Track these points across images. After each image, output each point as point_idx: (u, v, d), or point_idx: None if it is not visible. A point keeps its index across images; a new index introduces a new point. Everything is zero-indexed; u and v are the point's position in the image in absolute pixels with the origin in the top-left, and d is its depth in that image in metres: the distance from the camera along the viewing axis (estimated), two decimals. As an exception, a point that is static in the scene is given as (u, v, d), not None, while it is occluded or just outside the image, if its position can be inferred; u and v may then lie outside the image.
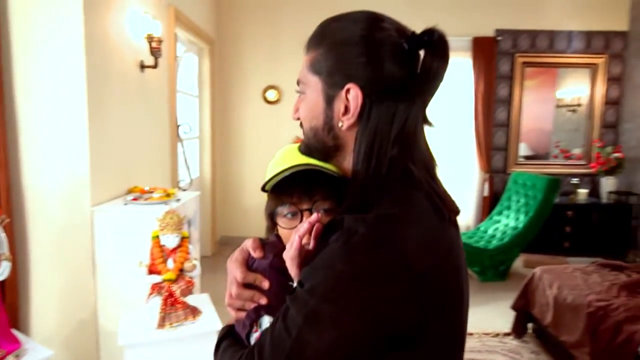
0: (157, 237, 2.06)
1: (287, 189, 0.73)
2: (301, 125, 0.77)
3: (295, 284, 0.68)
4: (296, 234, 0.66)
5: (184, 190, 3.48)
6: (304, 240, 0.66)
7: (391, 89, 0.66)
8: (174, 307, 2.01)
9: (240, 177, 5.06)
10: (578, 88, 5.05)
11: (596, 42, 4.91)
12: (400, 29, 0.69)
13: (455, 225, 0.70)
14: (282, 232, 0.76)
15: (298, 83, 0.75)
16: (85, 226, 2.30)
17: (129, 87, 2.72)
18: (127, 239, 2.33)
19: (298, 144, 0.81)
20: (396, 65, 0.66)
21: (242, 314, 0.73)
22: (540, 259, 4.37)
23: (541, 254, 4.47)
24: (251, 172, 5.04)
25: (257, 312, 0.72)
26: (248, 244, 0.78)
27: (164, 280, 2.01)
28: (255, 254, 0.75)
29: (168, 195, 2.52)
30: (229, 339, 0.78)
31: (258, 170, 4.96)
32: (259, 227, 4.17)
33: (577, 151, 5.13)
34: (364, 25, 0.68)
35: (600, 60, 4.91)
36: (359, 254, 0.58)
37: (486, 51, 4.82)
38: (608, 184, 4.78)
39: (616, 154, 4.68)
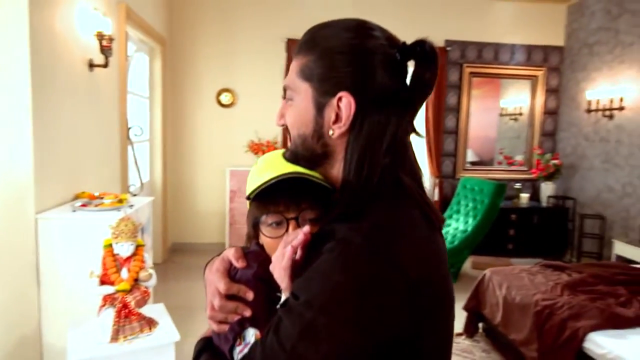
0: (110, 245, 1.95)
1: (273, 197, 0.71)
2: (287, 132, 0.76)
3: (283, 295, 0.67)
4: (287, 244, 0.64)
5: (135, 195, 3.33)
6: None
7: (383, 98, 0.67)
8: (128, 319, 1.92)
9: (193, 181, 4.92)
10: (520, 98, 5.36)
11: (536, 55, 5.22)
12: (390, 38, 0.70)
13: (440, 233, 0.72)
14: (266, 241, 0.74)
15: (285, 89, 0.74)
16: (29, 235, 2.14)
17: (77, 87, 2.57)
18: (75, 248, 2.19)
19: (282, 151, 0.80)
20: (388, 74, 0.67)
21: (225, 327, 0.70)
22: (487, 260, 4.57)
23: (488, 256, 4.68)
24: (204, 176, 4.92)
25: (241, 325, 0.69)
26: (229, 254, 0.75)
27: (118, 291, 1.91)
28: (238, 264, 0.72)
29: (120, 201, 2.40)
30: (207, 352, 0.75)
31: (211, 175, 4.87)
32: (212, 233, 4.13)
33: (519, 158, 5.43)
34: (355, 34, 0.68)
35: (539, 73, 5.23)
36: (355, 264, 0.57)
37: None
38: (547, 189, 5.10)
39: (554, 161, 4.99)
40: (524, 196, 5.11)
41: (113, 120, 3.14)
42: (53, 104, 2.29)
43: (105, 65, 2.75)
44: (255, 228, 0.77)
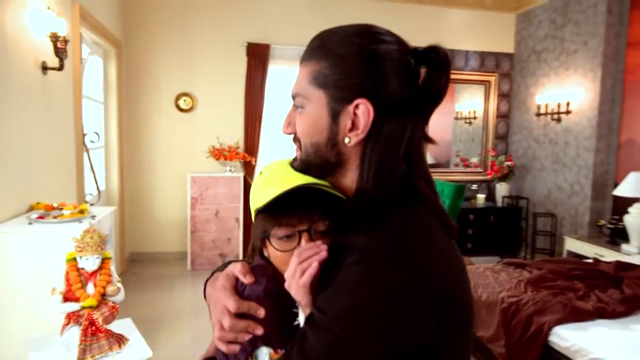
0: (74, 259, 1.84)
1: (284, 209, 0.68)
2: (295, 140, 0.74)
3: (301, 311, 0.65)
4: (303, 259, 0.62)
5: (92, 204, 3.16)
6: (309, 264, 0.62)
7: (399, 104, 0.66)
8: (95, 337, 1.81)
9: (151, 189, 4.75)
10: (474, 102, 5.56)
11: (489, 61, 5.45)
12: (402, 43, 0.69)
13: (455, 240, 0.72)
14: (275, 254, 0.71)
15: (294, 97, 0.72)
16: (-20, 251, 1.98)
17: (30, 91, 2.41)
18: (34, 264, 2.05)
19: (287, 160, 0.77)
20: (403, 80, 0.66)
21: (235, 348, 0.67)
22: (448, 260, 4.69)
23: (449, 256, 4.81)
24: (163, 183, 4.75)
25: (254, 344, 0.66)
26: (235, 269, 0.71)
27: (84, 308, 1.80)
28: (246, 280, 0.69)
29: (81, 211, 2.27)
30: None
31: (171, 182, 4.71)
32: (173, 242, 4.00)
33: (474, 160, 5.63)
34: (369, 40, 0.67)
35: (492, 78, 5.46)
36: (383, 276, 0.56)
37: (395, 66, 5.10)
38: (502, 189, 5.32)
39: (508, 162, 5.22)
40: (480, 197, 5.31)
41: (68, 126, 2.97)
42: (3, 109, 2.13)
43: (60, 68, 2.60)
44: (262, 241, 0.74)
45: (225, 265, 0.82)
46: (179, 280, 4.27)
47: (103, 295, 1.86)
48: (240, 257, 4.61)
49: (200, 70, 4.70)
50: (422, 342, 0.58)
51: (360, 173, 0.68)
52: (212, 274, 0.82)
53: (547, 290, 2.60)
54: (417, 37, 4.39)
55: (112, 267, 1.94)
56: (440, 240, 0.64)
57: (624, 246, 3.80)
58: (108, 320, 1.85)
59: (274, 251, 0.71)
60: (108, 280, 1.88)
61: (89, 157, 3.39)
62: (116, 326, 1.92)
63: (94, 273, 1.86)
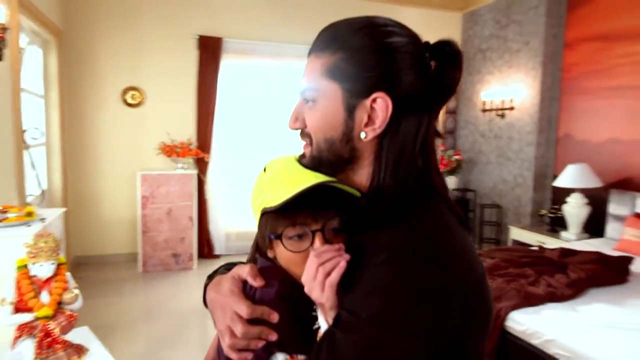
0: (25, 266, 1.71)
1: (296, 209, 0.65)
2: (304, 136, 0.71)
3: (322, 314, 0.63)
4: (324, 260, 0.60)
5: (34, 205, 2.94)
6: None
7: (415, 99, 0.65)
8: (52, 349, 1.70)
9: (98, 188, 4.49)
10: (424, 98, 5.73)
11: (437, 59, 5.62)
12: (415, 37, 0.67)
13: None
14: (286, 255, 0.68)
15: (304, 90, 0.69)
16: None
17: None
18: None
19: (293, 156, 0.74)
20: (418, 74, 0.65)
21: (247, 356, 0.64)
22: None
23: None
24: (111, 182, 4.51)
25: (268, 350, 0.63)
26: (243, 272, 0.68)
27: (38, 318, 1.68)
28: (256, 283, 0.66)
29: (29, 214, 2.10)
30: None
31: (119, 180, 4.49)
32: (122, 243, 3.83)
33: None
34: (385, 32, 0.65)
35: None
36: (415, 275, 0.56)
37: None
38: (451, 182, 5.52)
39: (456, 156, 5.43)
40: (431, 190, 5.48)
41: (6, 122, 2.74)
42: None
43: (-2, 59, 2.39)
44: (269, 241, 0.71)
45: (227, 267, 0.79)
46: (130, 283, 4.09)
47: (59, 303, 1.74)
48: (195, 257, 4.48)
49: (149, 63, 4.50)
50: (455, 340, 0.58)
51: (377, 169, 0.66)
52: (211, 277, 0.79)
53: (501, 278, 2.74)
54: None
55: (68, 273, 1.82)
56: (460, 235, 0.64)
57: (563, 233, 4.08)
58: (66, 329, 1.74)
59: (284, 252, 0.68)
60: (64, 287, 1.76)
61: (29, 156, 3.15)
62: (73, 336, 1.81)
63: (48, 280, 1.74)
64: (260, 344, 0.63)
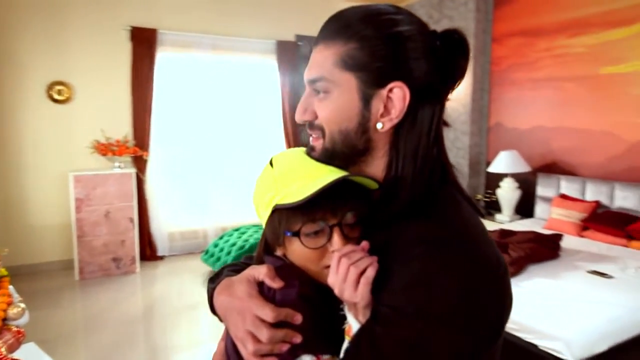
0: (-38, 282, 1.54)
1: (317, 204, 0.63)
2: (314, 128, 0.69)
3: (351, 312, 0.62)
4: (353, 257, 0.59)
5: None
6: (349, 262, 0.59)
7: (430, 88, 0.64)
8: (-1, 370, 1.55)
9: (23, 192, 4.12)
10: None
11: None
12: (425, 25, 0.67)
13: None
14: (303, 252, 0.66)
15: (314, 81, 0.66)
16: None
17: None
18: None
19: (301, 149, 0.72)
20: (432, 63, 0.64)
21: None
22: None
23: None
24: (39, 185, 4.16)
25: (294, 353, 0.62)
26: (259, 273, 0.65)
27: (-19, 338, 1.53)
28: (275, 284, 0.64)
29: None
30: None
31: (48, 183, 4.17)
32: (55, 250, 3.60)
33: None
34: (398, 21, 0.64)
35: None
36: (458, 265, 0.56)
37: (289, 55, 5.12)
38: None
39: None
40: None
41: None
42: None
43: None
44: (280, 238, 0.68)
45: (232, 269, 0.76)
46: (68, 292, 3.82)
47: (4, 319, 1.60)
48: (138, 260, 4.27)
49: (77, 56, 4.19)
50: (494, 330, 0.58)
51: (394, 160, 0.66)
52: (212, 280, 0.75)
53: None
54: (312, 27, 4.44)
55: (11, 287, 1.67)
56: (479, 222, 0.65)
57: (498, 216, 4.38)
58: (13, 347, 1.60)
59: (300, 249, 0.66)
60: (8, 301, 1.62)
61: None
62: (20, 353, 1.67)
63: (-11, 295, 1.58)
64: (285, 347, 0.61)
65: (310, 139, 0.71)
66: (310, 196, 0.61)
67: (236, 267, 0.79)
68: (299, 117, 0.70)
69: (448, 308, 0.54)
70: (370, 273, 0.58)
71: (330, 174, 0.65)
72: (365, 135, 0.66)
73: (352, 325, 0.61)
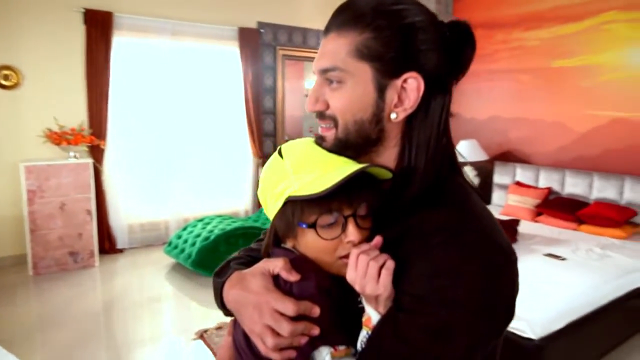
0: None
1: (333, 195, 0.62)
2: (325, 118, 0.68)
3: (365, 303, 0.63)
4: (369, 250, 0.60)
5: None
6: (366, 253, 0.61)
7: (440, 78, 0.65)
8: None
9: (-32, 184, 3.86)
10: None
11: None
12: (434, 16, 0.67)
13: None
14: (316, 243, 0.66)
15: (327, 70, 0.66)
16: None
17: None
18: None
19: (310, 139, 0.72)
20: (443, 54, 0.65)
21: (290, 354, 0.61)
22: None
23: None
24: (-15, 176, 3.90)
25: (313, 345, 0.62)
26: (275, 266, 0.65)
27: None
28: (292, 277, 0.63)
29: None
30: None
31: None
32: (6, 245, 3.50)
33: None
34: (408, 11, 0.64)
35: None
36: (478, 252, 0.57)
37: (251, 42, 5.03)
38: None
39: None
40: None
41: None
42: None
43: None
44: (294, 230, 0.67)
45: (240, 262, 0.75)
46: (21, 289, 3.62)
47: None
48: (97, 253, 4.11)
49: (26, 39, 3.92)
50: (510, 312, 0.61)
51: (406, 150, 0.67)
52: (218, 274, 0.74)
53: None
54: (273, 15, 4.41)
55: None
56: (489, 210, 0.66)
57: (457, 203, 4.54)
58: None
59: (315, 240, 0.65)
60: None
61: None
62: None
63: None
64: (305, 340, 0.61)
65: (320, 129, 0.71)
66: (332, 187, 0.61)
67: (241, 260, 0.78)
68: (310, 108, 0.69)
69: (472, 294, 0.56)
70: (391, 264, 0.59)
71: (344, 165, 0.65)
72: (378, 125, 0.66)
73: (372, 316, 0.62)
